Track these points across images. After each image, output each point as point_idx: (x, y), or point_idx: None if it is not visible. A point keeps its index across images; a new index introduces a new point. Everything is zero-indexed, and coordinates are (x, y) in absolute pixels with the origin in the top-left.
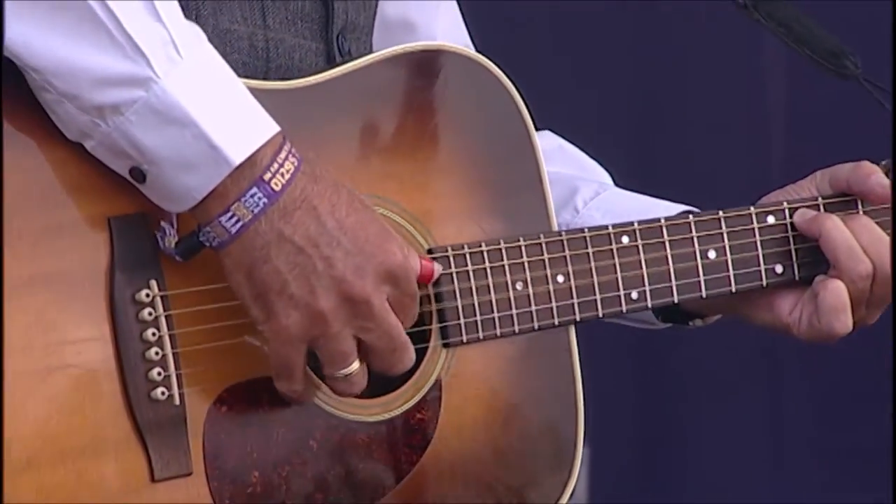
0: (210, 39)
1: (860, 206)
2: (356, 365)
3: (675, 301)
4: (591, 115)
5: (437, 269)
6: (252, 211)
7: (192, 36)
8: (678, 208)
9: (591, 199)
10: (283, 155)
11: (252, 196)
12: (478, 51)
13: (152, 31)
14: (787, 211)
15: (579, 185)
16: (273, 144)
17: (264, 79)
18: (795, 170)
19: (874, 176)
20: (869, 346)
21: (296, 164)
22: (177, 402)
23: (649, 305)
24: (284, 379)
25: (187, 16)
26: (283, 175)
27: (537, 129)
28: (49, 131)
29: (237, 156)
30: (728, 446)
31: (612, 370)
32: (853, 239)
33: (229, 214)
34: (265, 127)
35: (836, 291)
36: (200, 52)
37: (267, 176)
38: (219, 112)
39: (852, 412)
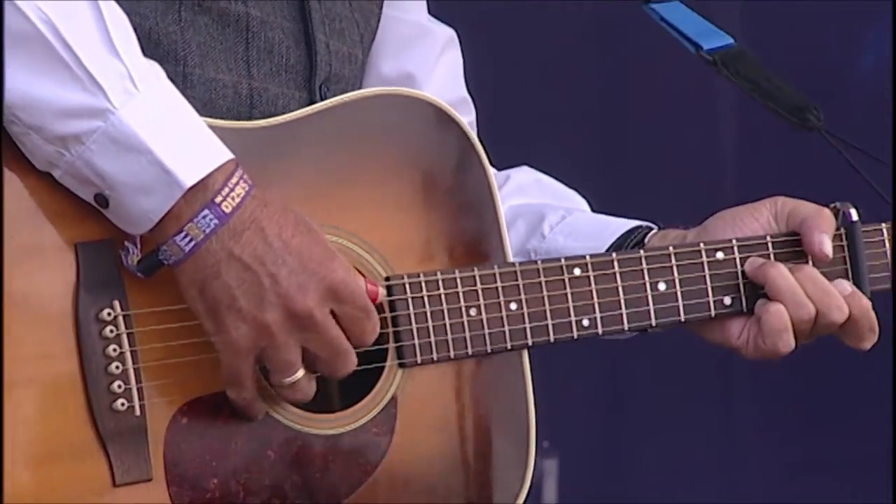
0: (196, 87)
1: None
2: (301, 373)
3: (626, 329)
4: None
5: (382, 292)
6: (204, 231)
7: (150, 72)
8: (631, 224)
9: (556, 224)
10: (234, 180)
11: (204, 217)
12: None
13: (110, 67)
14: (735, 248)
15: (546, 213)
16: (224, 171)
17: None
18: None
19: (821, 237)
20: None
21: (246, 188)
22: (137, 413)
23: (600, 332)
24: (235, 387)
25: (175, 65)
26: (233, 199)
27: (515, 166)
28: (22, 162)
29: (189, 179)
30: (694, 452)
31: (579, 380)
32: (797, 285)
33: (183, 234)
34: (217, 154)
35: (777, 314)
36: (158, 86)
37: (218, 199)
38: (172, 140)
39: (826, 416)
